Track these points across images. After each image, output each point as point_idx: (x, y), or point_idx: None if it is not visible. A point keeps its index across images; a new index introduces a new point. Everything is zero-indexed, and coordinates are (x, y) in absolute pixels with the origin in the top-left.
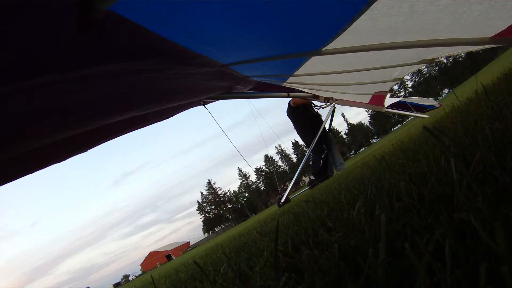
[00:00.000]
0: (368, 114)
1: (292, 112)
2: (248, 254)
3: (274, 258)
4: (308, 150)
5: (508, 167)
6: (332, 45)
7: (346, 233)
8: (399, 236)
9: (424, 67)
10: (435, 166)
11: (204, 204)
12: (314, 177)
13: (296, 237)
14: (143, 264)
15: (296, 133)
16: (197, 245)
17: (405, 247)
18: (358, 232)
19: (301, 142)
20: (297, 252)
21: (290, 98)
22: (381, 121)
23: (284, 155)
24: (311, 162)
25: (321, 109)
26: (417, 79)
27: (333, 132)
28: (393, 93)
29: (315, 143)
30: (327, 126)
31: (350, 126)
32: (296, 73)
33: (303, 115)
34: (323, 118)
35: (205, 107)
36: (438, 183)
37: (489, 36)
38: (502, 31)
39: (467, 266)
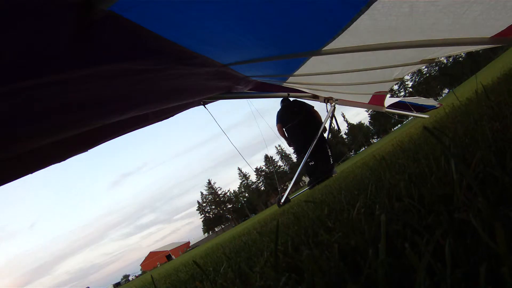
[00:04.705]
0: (368, 114)
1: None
2: (248, 254)
3: (274, 258)
4: (308, 150)
5: (508, 167)
6: (332, 45)
7: (346, 233)
8: (399, 236)
9: (424, 67)
10: (435, 166)
11: (204, 204)
12: (311, 178)
13: (296, 237)
14: (143, 264)
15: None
16: (197, 245)
17: (405, 247)
18: (358, 232)
19: None
20: (297, 252)
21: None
22: (381, 121)
23: (284, 155)
24: (311, 163)
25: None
26: (417, 79)
27: (333, 132)
28: (393, 93)
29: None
30: (327, 126)
31: (350, 126)
32: (296, 73)
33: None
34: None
35: (205, 107)
36: (438, 183)
37: (489, 36)
38: (502, 31)
39: (467, 266)
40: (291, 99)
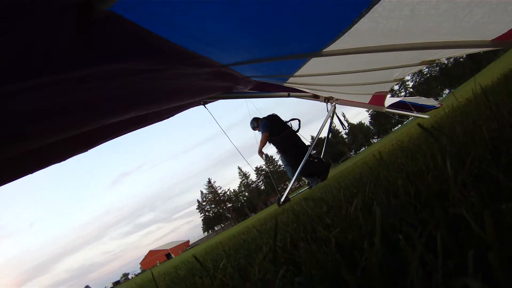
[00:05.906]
0: (368, 114)
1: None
2: (247, 251)
3: (273, 253)
4: (308, 150)
5: (503, 164)
6: (332, 47)
7: (344, 228)
8: (395, 231)
9: (425, 68)
10: (432, 164)
11: (204, 203)
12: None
13: (294, 234)
14: (142, 263)
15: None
16: (196, 243)
17: (399, 238)
18: (356, 227)
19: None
20: (296, 248)
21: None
22: (381, 121)
23: None
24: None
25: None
26: (417, 80)
27: (333, 132)
28: (393, 93)
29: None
30: (327, 126)
31: (350, 126)
32: (296, 73)
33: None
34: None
35: (205, 107)
36: (434, 180)
37: (489, 39)
38: (502, 34)
39: (459, 257)
40: (262, 117)
